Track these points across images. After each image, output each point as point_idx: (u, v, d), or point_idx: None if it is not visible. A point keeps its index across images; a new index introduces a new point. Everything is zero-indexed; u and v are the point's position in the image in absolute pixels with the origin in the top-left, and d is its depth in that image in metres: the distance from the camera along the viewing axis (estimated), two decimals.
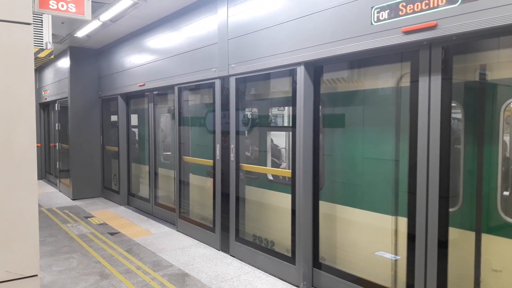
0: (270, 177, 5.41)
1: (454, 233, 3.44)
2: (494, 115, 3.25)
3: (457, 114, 3.50)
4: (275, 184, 5.34)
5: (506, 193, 3.26)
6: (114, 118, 9.55)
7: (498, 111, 3.22)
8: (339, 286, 4.26)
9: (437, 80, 3.27)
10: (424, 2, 3.23)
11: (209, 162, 6.13)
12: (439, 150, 3.27)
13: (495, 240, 3.27)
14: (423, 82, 3.37)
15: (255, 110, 5.65)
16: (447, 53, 3.26)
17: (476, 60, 3.41)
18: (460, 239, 3.45)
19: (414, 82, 3.46)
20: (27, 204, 1.94)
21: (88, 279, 4.85)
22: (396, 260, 3.88)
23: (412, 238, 3.52)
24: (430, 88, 3.32)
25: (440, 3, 3.12)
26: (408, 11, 3.33)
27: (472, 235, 3.39)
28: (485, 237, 3.32)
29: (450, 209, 3.41)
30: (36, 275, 1.98)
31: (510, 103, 3.19)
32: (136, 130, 9.41)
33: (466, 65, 3.44)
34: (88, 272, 5.05)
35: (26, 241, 1.94)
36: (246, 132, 5.58)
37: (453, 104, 3.33)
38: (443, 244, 3.33)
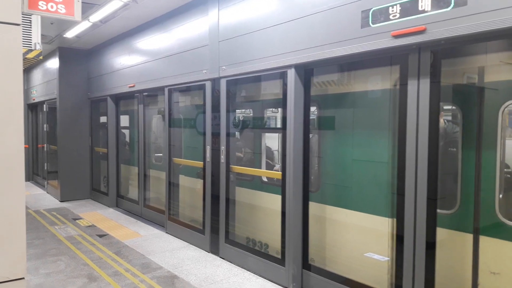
0: (265, 179, 5.42)
1: (452, 235, 3.46)
2: (488, 117, 3.27)
3: (449, 116, 3.53)
4: (266, 186, 5.35)
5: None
6: (103, 119, 9.48)
7: (496, 114, 3.22)
8: (328, 287, 4.28)
9: (425, 84, 3.31)
10: (413, 6, 3.27)
11: (199, 164, 6.11)
12: (427, 152, 3.30)
13: (493, 242, 3.29)
14: (412, 85, 3.41)
15: (245, 112, 5.65)
16: (436, 57, 3.30)
17: (464, 64, 3.46)
18: (458, 241, 3.47)
19: (403, 85, 3.50)
20: (14, 206, 1.91)
21: (76, 281, 4.80)
22: (385, 261, 3.90)
23: (400, 240, 3.55)
24: (419, 91, 3.36)
25: (429, 7, 3.16)
26: (397, 16, 3.37)
27: (470, 237, 3.42)
28: (483, 239, 3.34)
29: (448, 211, 3.44)
30: (23, 278, 1.96)
31: (508, 105, 3.20)
32: (125, 131, 9.35)
33: (455, 68, 3.48)
34: (76, 275, 5.00)
35: (13, 243, 1.92)
36: (236, 134, 5.58)
37: (449, 107, 3.35)
38: (431, 245, 3.36)
